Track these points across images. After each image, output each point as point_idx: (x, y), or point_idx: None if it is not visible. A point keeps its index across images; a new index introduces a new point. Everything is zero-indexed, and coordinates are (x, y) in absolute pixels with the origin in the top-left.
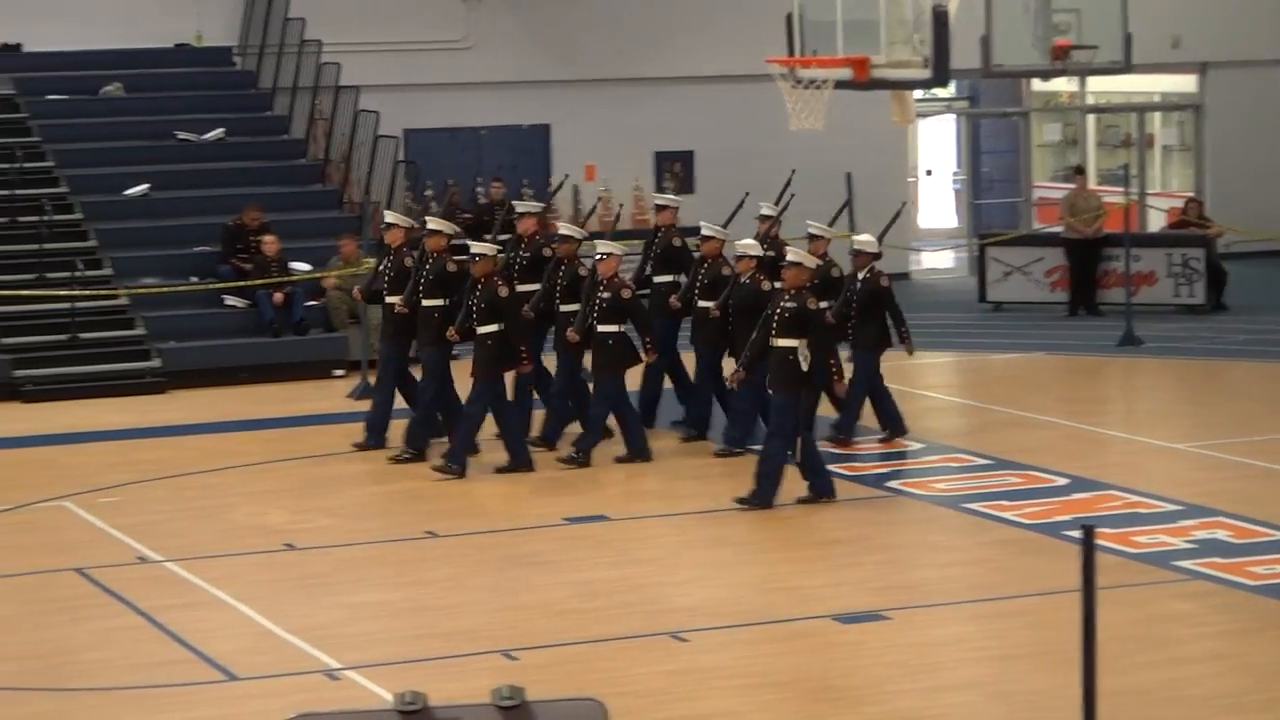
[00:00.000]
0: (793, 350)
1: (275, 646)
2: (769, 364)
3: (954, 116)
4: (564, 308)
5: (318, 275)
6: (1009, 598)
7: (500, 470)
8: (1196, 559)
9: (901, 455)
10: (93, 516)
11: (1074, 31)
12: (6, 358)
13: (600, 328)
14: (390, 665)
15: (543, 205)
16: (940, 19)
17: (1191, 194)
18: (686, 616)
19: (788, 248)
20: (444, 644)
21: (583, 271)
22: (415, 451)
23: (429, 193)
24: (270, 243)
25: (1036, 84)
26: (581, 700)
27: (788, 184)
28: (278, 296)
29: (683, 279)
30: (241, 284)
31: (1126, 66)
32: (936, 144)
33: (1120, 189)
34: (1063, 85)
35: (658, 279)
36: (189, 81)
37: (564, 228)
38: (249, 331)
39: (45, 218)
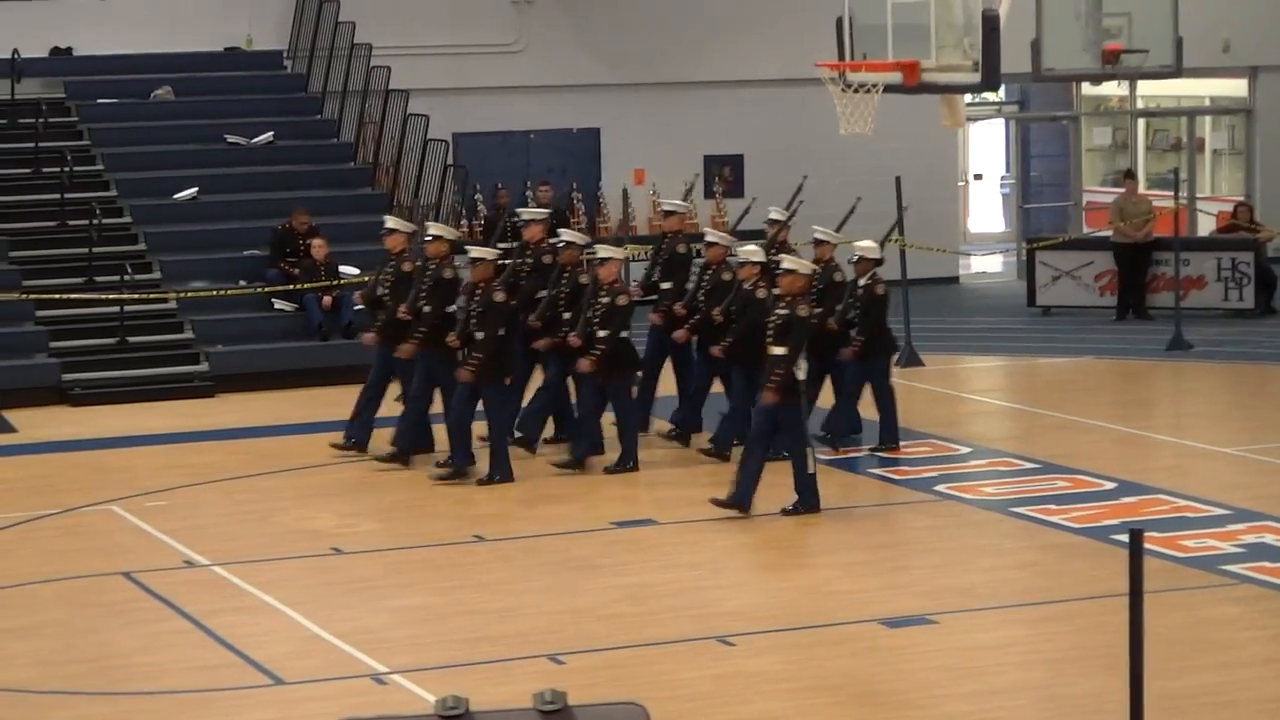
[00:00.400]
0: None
1: (323, 651)
2: (764, 371)
3: (1003, 120)
4: (567, 315)
5: (366, 279)
6: (1057, 602)
7: (481, 482)
8: (1244, 563)
9: (950, 459)
10: (141, 520)
11: (1124, 35)
12: (55, 361)
13: (601, 333)
14: (438, 669)
15: (547, 213)
16: (990, 23)
17: (1241, 198)
18: (734, 620)
19: (784, 255)
20: (492, 648)
21: (584, 278)
22: (401, 453)
23: (478, 196)
24: (319, 246)
25: (1086, 88)
26: (623, 704)
27: (799, 190)
28: (326, 300)
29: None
30: (290, 288)
31: (1177, 70)
32: (986, 148)
33: (1170, 193)
34: (1113, 89)
35: (663, 285)
36: (239, 85)
37: (566, 234)
38: (297, 335)
39: (94, 221)
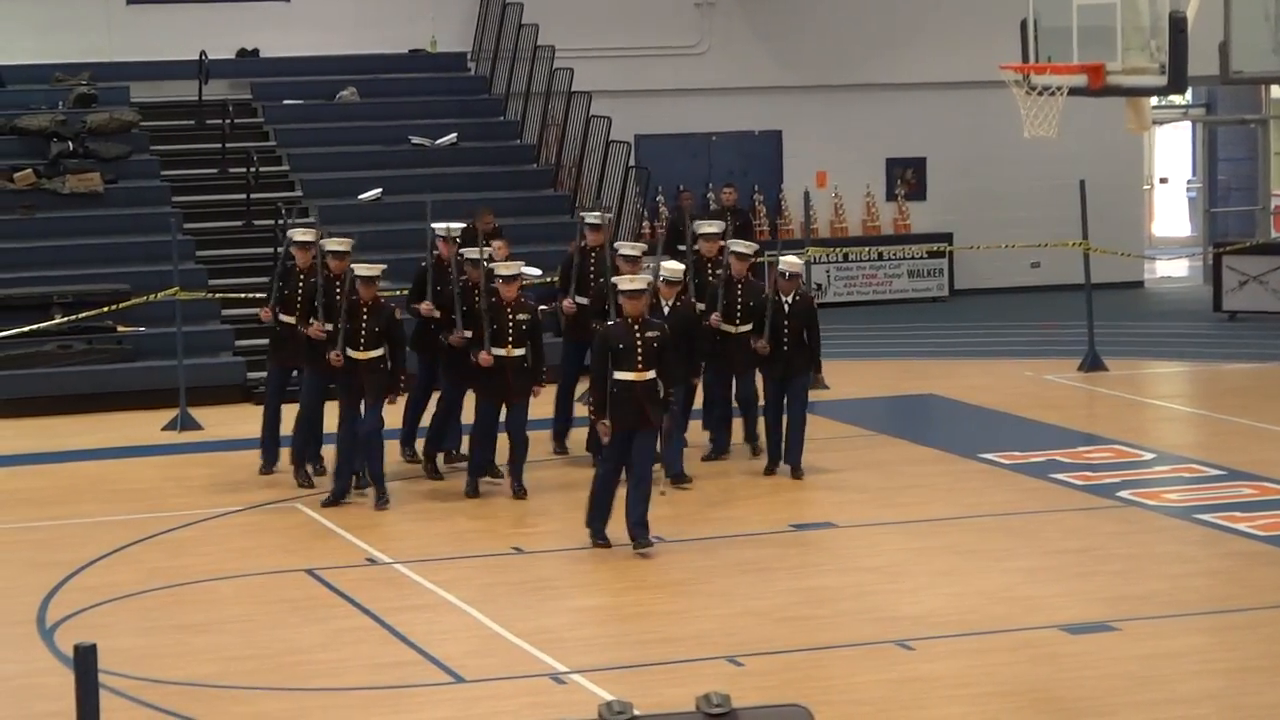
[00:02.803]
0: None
1: (503, 649)
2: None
3: (1190, 124)
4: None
5: (548, 280)
6: (1241, 610)
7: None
8: None
9: (1133, 465)
10: (323, 518)
11: None
12: (240, 359)
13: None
14: (616, 669)
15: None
16: (1178, 25)
17: None
18: (912, 625)
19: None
20: (669, 649)
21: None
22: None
23: (659, 198)
24: (500, 247)
25: (1276, 90)
26: (788, 706)
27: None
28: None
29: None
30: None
31: None
32: (1172, 151)
33: None
34: None
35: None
36: (422, 87)
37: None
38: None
39: (280, 222)
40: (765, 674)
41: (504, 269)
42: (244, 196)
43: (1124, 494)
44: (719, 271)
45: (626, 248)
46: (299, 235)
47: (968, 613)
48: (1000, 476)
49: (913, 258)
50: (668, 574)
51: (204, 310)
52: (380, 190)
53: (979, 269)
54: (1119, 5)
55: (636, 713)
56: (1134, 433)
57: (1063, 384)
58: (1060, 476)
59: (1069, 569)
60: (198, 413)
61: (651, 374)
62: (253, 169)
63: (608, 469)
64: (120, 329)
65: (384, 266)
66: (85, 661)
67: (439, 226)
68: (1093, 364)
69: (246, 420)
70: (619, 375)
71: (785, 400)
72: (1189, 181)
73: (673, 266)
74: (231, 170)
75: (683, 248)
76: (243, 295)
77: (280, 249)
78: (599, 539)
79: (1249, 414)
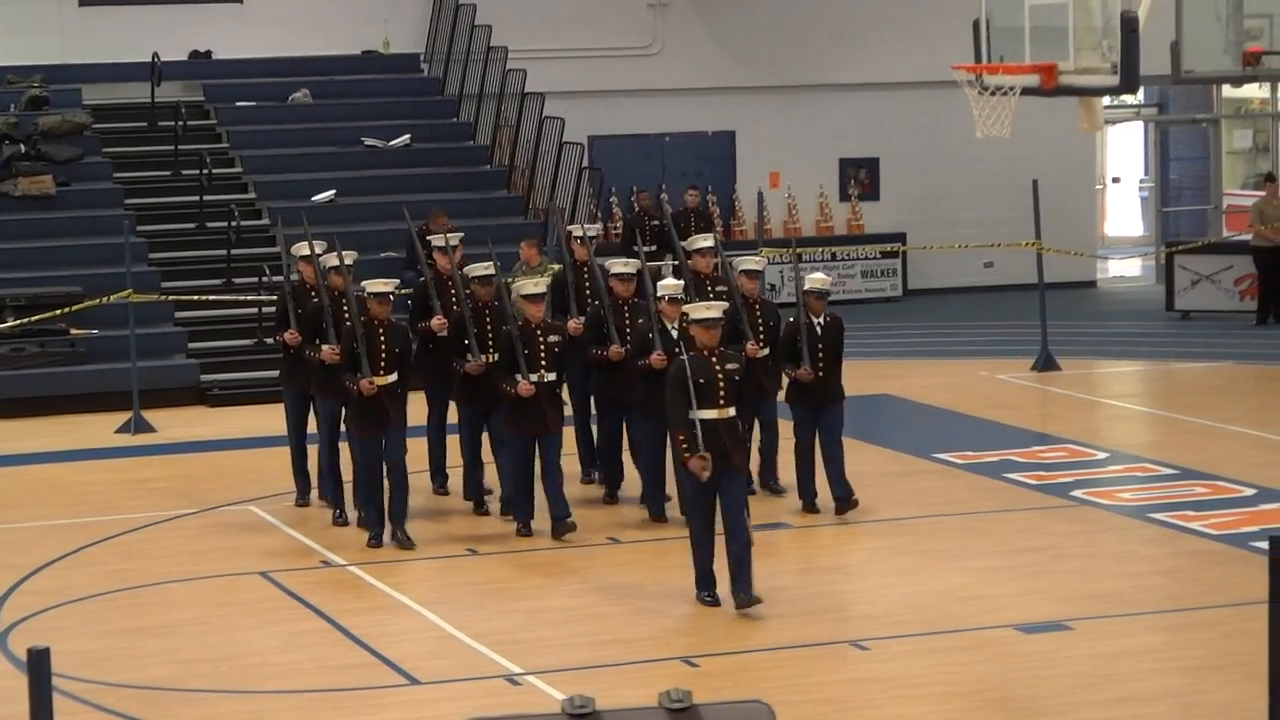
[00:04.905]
0: None
1: (457, 651)
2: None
3: (1142, 123)
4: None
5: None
6: (1196, 609)
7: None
8: None
9: (1087, 465)
10: (278, 521)
11: (1265, 37)
12: (194, 362)
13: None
14: (571, 671)
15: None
16: (1129, 25)
17: None
18: (868, 625)
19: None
20: (625, 650)
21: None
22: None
23: (613, 199)
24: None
25: (1227, 90)
26: (748, 702)
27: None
28: None
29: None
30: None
31: None
32: (1124, 151)
33: None
34: (1254, 91)
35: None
36: (376, 88)
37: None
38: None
39: (233, 223)
40: (721, 674)
41: (531, 287)
42: (197, 199)
43: (1078, 493)
44: (719, 289)
45: (619, 265)
46: (301, 250)
47: (923, 612)
48: (954, 476)
49: (866, 258)
50: (622, 575)
51: (157, 312)
52: (334, 192)
53: (932, 269)
54: (1071, 5)
55: (598, 708)
56: (1087, 432)
57: (1016, 384)
58: (1014, 476)
59: (1024, 568)
60: (151, 415)
61: (733, 411)
62: (206, 171)
63: (704, 527)
64: (73, 332)
65: (397, 282)
66: (39, 665)
67: (436, 239)
68: (1046, 364)
69: (200, 423)
70: (699, 414)
71: (816, 431)
72: (1141, 181)
73: (674, 284)
74: (184, 172)
75: (638, 248)
76: (196, 297)
77: (284, 269)
78: (710, 598)
79: (1202, 413)
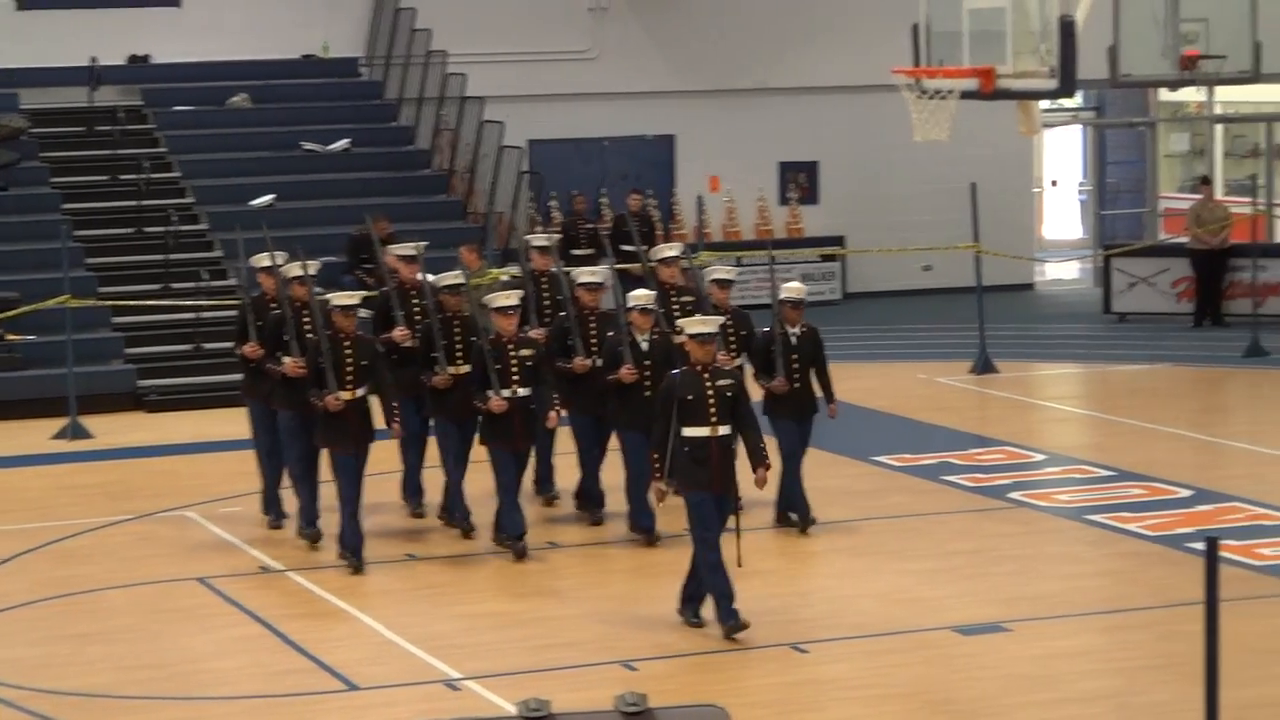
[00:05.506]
0: None
1: (396, 656)
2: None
3: (1080, 127)
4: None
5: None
6: (1132, 610)
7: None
8: None
9: (1024, 467)
10: (216, 526)
11: (1202, 41)
12: (131, 368)
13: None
14: (511, 675)
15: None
16: (1067, 29)
17: None
18: (807, 627)
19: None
20: (564, 654)
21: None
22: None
23: (552, 203)
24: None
25: (1164, 94)
26: (704, 706)
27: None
28: None
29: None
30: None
31: (1255, 76)
32: (1062, 154)
33: (1247, 199)
34: (1190, 95)
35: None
36: (315, 92)
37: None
38: None
39: (171, 228)
40: (661, 678)
41: (503, 300)
42: (135, 203)
43: (1015, 495)
44: (684, 298)
45: (586, 274)
46: (262, 260)
47: (862, 615)
48: (892, 479)
49: (805, 261)
50: (560, 580)
51: (94, 318)
52: (273, 196)
53: (871, 272)
54: (1009, 9)
55: (554, 711)
56: (1025, 434)
57: (954, 386)
58: (952, 478)
59: (961, 570)
60: (88, 421)
61: (726, 429)
62: (144, 175)
63: (715, 551)
64: (10, 337)
65: (363, 294)
66: None
67: (401, 248)
68: (984, 366)
69: (137, 428)
70: (688, 432)
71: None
72: (1079, 184)
73: (645, 294)
74: (122, 177)
75: (580, 252)
76: (133, 303)
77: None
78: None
79: (1139, 415)
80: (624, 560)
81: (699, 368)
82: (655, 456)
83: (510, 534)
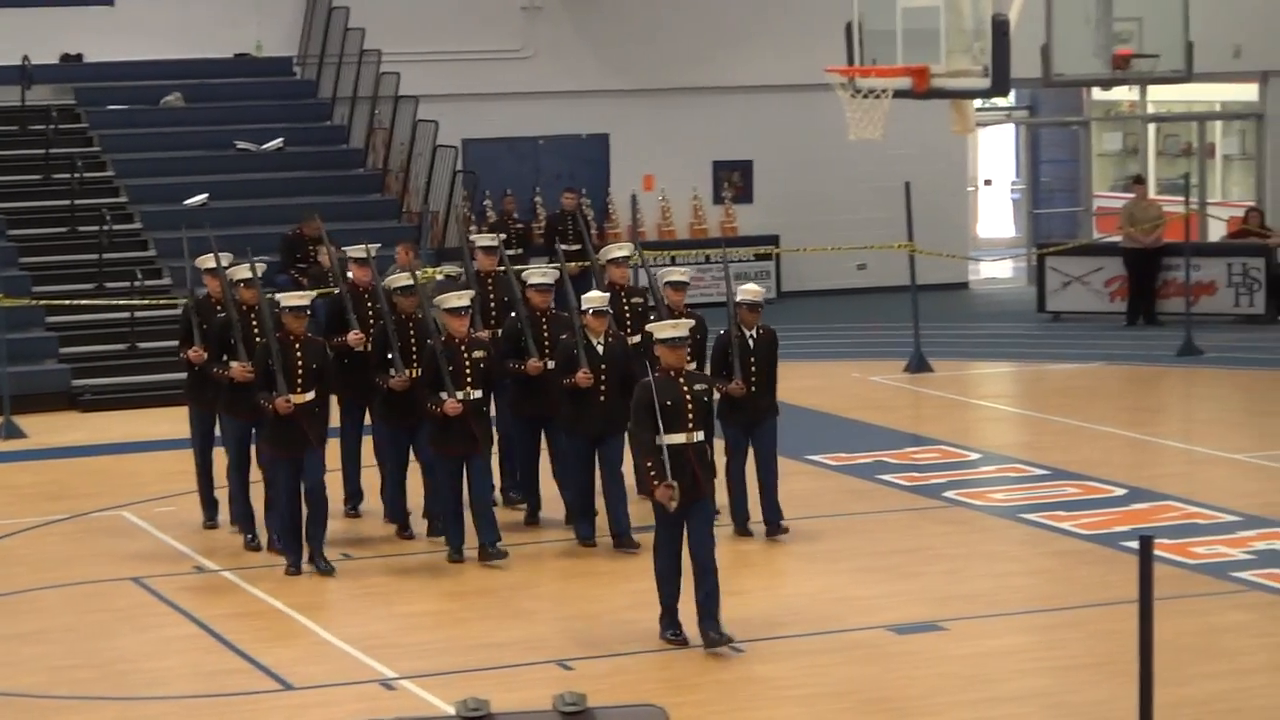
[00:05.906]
0: None
1: (331, 656)
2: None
3: (1013, 126)
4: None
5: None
6: (1066, 609)
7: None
8: (1255, 570)
9: (959, 465)
10: (150, 526)
11: (1135, 40)
12: (66, 367)
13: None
14: (446, 675)
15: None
16: (1000, 28)
17: (1252, 203)
18: (742, 627)
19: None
20: (500, 654)
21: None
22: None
23: (486, 202)
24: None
25: (1097, 93)
26: (643, 706)
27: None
28: None
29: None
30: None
31: (1187, 75)
32: (996, 153)
33: (1180, 198)
34: (1123, 94)
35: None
36: (248, 91)
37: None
38: None
39: (105, 227)
40: (596, 677)
41: (454, 300)
42: (68, 202)
43: (950, 494)
44: (635, 300)
45: (537, 275)
46: (206, 262)
47: (797, 614)
48: (827, 478)
49: (740, 260)
50: (496, 580)
51: (27, 317)
52: (207, 195)
53: (806, 271)
54: (943, 8)
55: (493, 710)
56: (960, 433)
57: (889, 385)
58: (887, 477)
59: (896, 569)
60: (21, 420)
61: (702, 435)
62: (77, 175)
63: (670, 560)
64: None
65: (314, 294)
66: None
67: (354, 250)
68: (918, 365)
69: (71, 428)
70: (666, 439)
71: (750, 448)
72: (1013, 183)
73: (599, 296)
74: (55, 176)
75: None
76: (67, 302)
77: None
78: (675, 635)
79: (1073, 414)
80: (560, 560)
81: (672, 373)
82: (650, 463)
83: (454, 545)
